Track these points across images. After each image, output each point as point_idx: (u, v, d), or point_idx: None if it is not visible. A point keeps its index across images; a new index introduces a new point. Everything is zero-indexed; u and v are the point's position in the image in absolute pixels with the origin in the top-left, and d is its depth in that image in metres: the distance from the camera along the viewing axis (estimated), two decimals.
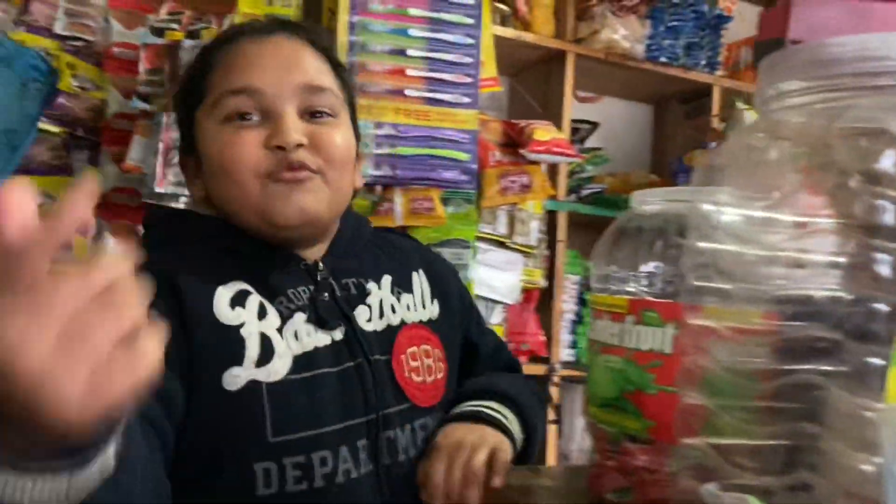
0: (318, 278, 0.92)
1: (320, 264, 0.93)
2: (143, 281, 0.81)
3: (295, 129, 0.86)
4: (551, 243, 2.27)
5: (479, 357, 1.10)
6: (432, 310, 1.02)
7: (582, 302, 2.45)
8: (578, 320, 2.42)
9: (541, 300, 2.27)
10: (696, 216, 0.68)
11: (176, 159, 1.71)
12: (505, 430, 0.96)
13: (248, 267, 0.88)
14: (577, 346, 2.44)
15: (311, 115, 0.89)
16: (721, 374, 0.64)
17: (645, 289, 0.83)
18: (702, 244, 0.67)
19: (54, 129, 2.03)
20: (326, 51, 0.94)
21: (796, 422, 0.58)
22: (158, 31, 1.76)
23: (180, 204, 1.78)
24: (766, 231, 0.62)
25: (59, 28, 2.03)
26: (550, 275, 2.26)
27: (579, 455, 2.39)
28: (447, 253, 1.90)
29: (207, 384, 0.80)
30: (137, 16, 2.07)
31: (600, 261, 0.88)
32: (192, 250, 0.88)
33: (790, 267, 0.59)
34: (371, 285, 0.96)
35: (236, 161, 0.85)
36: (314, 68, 0.90)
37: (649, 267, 0.83)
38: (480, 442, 0.92)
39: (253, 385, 0.81)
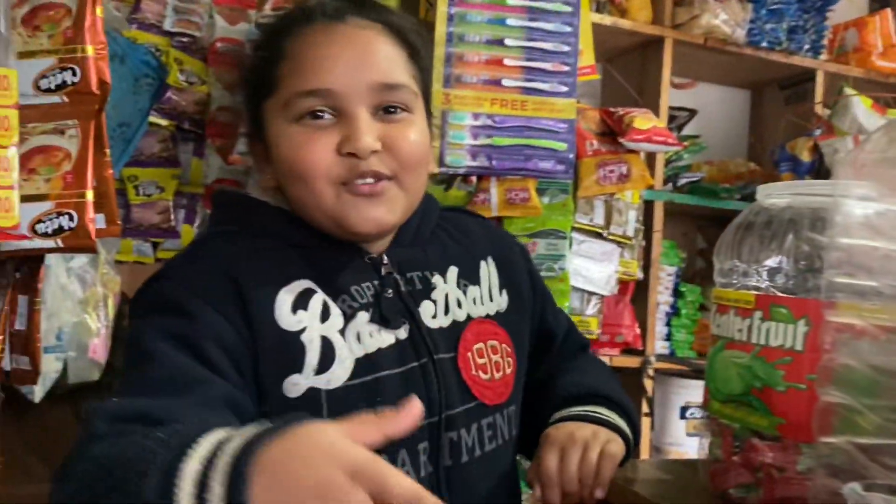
0: (383, 273, 0.90)
1: (385, 257, 0.91)
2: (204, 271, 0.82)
3: (368, 133, 0.83)
4: (647, 233, 2.23)
5: (554, 344, 1.07)
6: (500, 302, 0.98)
7: (677, 293, 2.41)
8: (673, 312, 2.38)
9: (636, 291, 2.24)
10: (838, 211, 0.67)
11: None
12: (616, 428, 0.95)
13: (313, 262, 0.86)
14: (671, 339, 2.40)
15: (384, 110, 0.86)
16: (866, 372, 0.63)
17: (767, 283, 0.82)
18: (845, 240, 0.65)
19: (163, 122, 2.10)
20: (402, 34, 0.89)
21: None
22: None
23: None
24: None
25: (167, 25, 2.10)
26: (646, 266, 2.23)
27: (669, 448, 2.35)
28: (542, 244, 1.90)
29: (270, 389, 0.80)
30: (241, 12, 2.13)
31: (724, 254, 0.87)
32: (258, 242, 0.87)
33: None
34: (437, 278, 0.92)
35: (309, 166, 0.83)
36: (388, 62, 0.86)
37: (772, 261, 0.81)
38: (592, 437, 0.91)
39: (313, 392, 0.81)
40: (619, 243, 2.05)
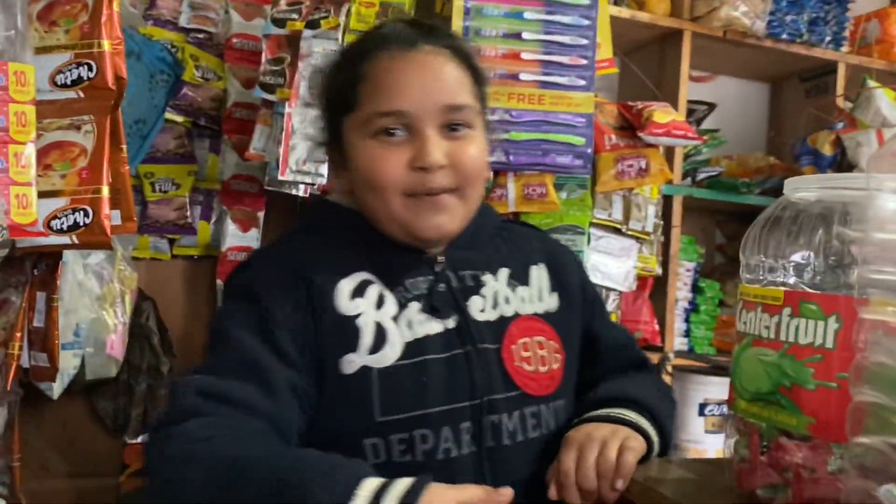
0: (437, 270, 0.99)
1: (440, 257, 0.99)
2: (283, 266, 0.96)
3: (437, 151, 0.93)
4: (665, 229, 2.21)
5: (600, 350, 1.10)
6: (550, 302, 1.05)
7: (695, 289, 2.38)
8: (692, 308, 2.36)
9: (654, 287, 2.22)
10: (871, 205, 0.65)
11: (297, 147, 1.75)
12: (636, 428, 0.94)
13: (375, 258, 0.97)
14: (690, 335, 2.38)
15: (450, 128, 0.95)
16: None
17: (795, 279, 0.80)
18: (879, 235, 0.63)
19: (179, 118, 2.11)
20: (466, 57, 0.99)
21: None
22: (279, 22, 1.80)
23: (299, 190, 1.83)
24: None
25: (183, 21, 2.10)
26: (664, 261, 2.21)
27: (687, 445, 2.33)
28: (560, 239, 1.88)
29: (329, 366, 0.91)
30: (256, 7, 2.12)
31: (751, 249, 0.85)
32: (329, 239, 0.99)
33: None
34: (487, 277, 1.01)
35: (383, 180, 0.93)
36: (456, 85, 0.96)
37: (800, 257, 0.79)
38: (611, 434, 0.91)
39: (365, 370, 0.91)
40: (637, 239, 2.02)
